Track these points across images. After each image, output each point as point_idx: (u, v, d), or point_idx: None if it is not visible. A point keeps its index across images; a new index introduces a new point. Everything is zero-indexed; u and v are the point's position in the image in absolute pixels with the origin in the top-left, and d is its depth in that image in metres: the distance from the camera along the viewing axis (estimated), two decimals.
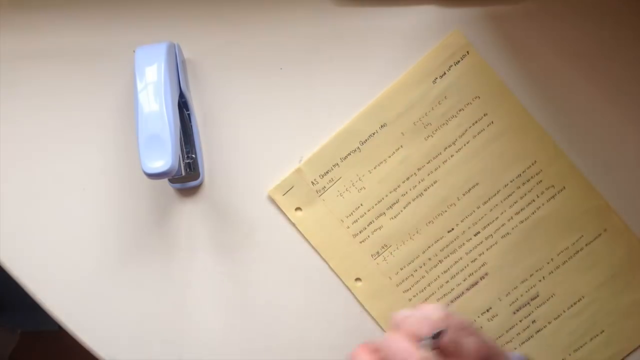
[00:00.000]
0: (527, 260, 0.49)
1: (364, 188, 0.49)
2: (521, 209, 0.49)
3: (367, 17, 0.48)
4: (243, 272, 0.50)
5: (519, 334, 0.50)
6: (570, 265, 0.49)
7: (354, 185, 0.49)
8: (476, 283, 0.50)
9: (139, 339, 0.50)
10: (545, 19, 0.47)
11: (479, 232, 0.49)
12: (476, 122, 0.48)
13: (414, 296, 0.50)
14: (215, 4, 0.49)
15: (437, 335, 0.33)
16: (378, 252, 0.49)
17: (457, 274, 0.49)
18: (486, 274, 0.49)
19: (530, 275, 0.49)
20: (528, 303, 0.49)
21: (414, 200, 0.49)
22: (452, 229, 0.49)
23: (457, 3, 0.47)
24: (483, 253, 0.49)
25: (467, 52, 0.47)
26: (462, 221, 0.49)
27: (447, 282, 0.50)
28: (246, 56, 0.49)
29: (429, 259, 0.49)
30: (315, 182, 0.49)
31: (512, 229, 0.49)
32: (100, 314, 0.50)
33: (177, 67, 0.46)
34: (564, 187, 0.48)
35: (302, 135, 0.49)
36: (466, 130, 0.48)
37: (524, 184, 0.48)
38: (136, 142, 0.41)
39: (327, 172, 0.49)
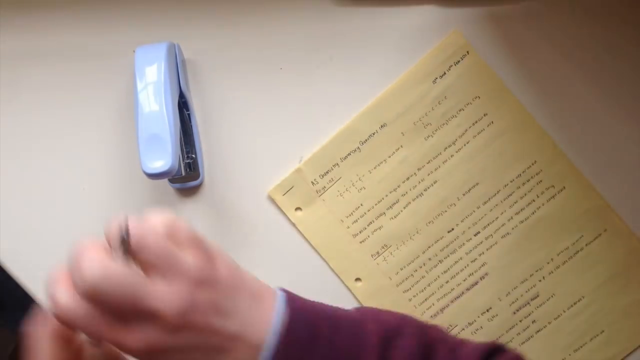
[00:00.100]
0: (527, 260, 0.49)
1: (364, 188, 0.49)
2: (521, 209, 0.49)
3: (367, 17, 0.48)
4: None
5: (519, 334, 0.50)
6: (570, 265, 0.49)
7: (354, 185, 0.49)
8: (476, 283, 0.50)
9: None
10: (545, 19, 0.47)
11: (479, 232, 0.49)
12: (476, 122, 0.48)
13: (414, 296, 0.50)
14: (215, 4, 0.48)
15: (124, 243, 0.29)
16: (378, 252, 0.49)
17: (457, 274, 0.49)
18: (486, 274, 0.49)
19: (530, 275, 0.49)
20: (528, 303, 0.49)
21: (414, 200, 0.49)
22: (452, 229, 0.49)
23: (457, 3, 0.47)
24: (483, 253, 0.49)
25: (467, 52, 0.47)
26: (462, 221, 0.49)
27: (447, 282, 0.50)
28: (246, 56, 0.49)
29: (429, 259, 0.49)
30: (315, 182, 0.49)
31: (512, 229, 0.49)
32: None
33: (177, 67, 0.46)
34: (564, 187, 0.48)
35: (302, 135, 0.49)
36: (466, 130, 0.48)
37: (524, 184, 0.48)
38: (136, 142, 0.41)
39: (327, 172, 0.49)
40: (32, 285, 0.50)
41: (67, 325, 0.29)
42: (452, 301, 0.50)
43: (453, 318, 0.50)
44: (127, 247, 0.29)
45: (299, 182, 0.49)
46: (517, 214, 0.49)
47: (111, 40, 0.49)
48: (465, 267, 0.49)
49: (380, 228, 0.49)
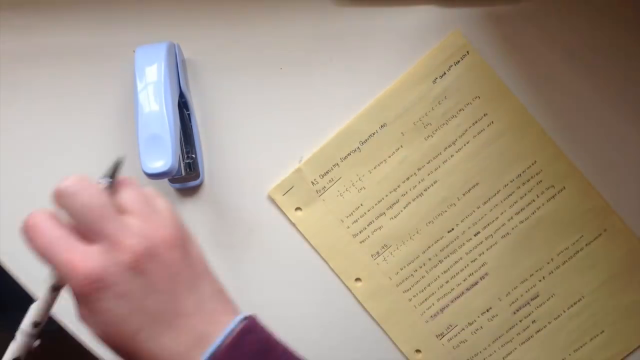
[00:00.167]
0: (527, 260, 0.49)
1: (364, 188, 0.49)
2: (521, 209, 0.49)
3: (367, 17, 0.48)
4: (243, 272, 0.50)
5: (519, 334, 0.50)
6: (570, 265, 0.49)
7: (354, 185, 0.49)
8: (476, 283, 0.50)
9: None
10: (545, 19, 0.47)
11: (479, 232, 0.49)
12: (476, 122, 0.48)
13: (414, 296, 0.50)
14: (215, 4, 0.48)
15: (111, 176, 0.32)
16: (378, 252, 0.49)
17: (457, 274, 0.49)
18: (486, 274, 0.49)
19: (530, 275, 0.49)
20: (528, 303, 0.49)
21: (414, 200, 0.49)
22: (452, 229, 0.49)
23: (457, 3, 0.47)
24: (483, 253, 0.49)
25: (467, 52, 0.47)
26: (462, 221, 0.49)
27: (447, 282, 0.50)
28: (246, 56, 0.49)
29: (429, 259, 0.49)
30: (315, 182, 0.49)
31: (512, 229, 0.49)
32: None
33: (177, 67, 0.46)
34: (564, 187, 0.48)
35: (302, 135, 0.49)
36: (466, 130, 0.48)
37: (524, 184, 0.48)
38: (136, 142, 0.41)
39: (327, 172, 0.49)
40: (32, 285, 0.50)
41: (29, 233, 0.30)
42: (452, 301, 0.50)
43: (453, 318, 0.50)
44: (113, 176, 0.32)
45: (299, 182, 0.49)
46: (517, 214, 0.49)
47: (111, 40, 0.49)
48: (465, 267, 0.49)
49: (380, 228, 0.49)
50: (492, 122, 0.48)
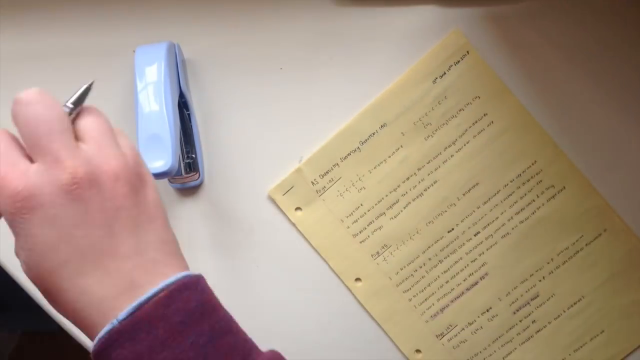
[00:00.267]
0: (527, 260, 0.49)
1: (364, 188, 0.49)
2: (521, 209, 0.49)
3: (367, 17, 0.48)
4: (243, 272, 0.50)
5: (519, 334, 0.50)
6: (570, 265, 0.49)
7: (354, 185, 0.49)
8: (476, 283, 0.50)
9: None
10: (545, 19, 0.47)
11: (479, 232, 0.49)
12: (476, 122, 0.48)
13: (414, 296, 0.50)
14: (215, 4, 0.49)
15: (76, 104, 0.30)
16: (378, 252, 0.49)
17: (457, 274, 0.49)
18: (486, 274, 0.49)
19: (530, 275, 0.49)
20: (528, 303, 0.49)
21: (414, 200, 0.49)
22: (452, 229, 0.49)
23: (457, 3, 0.47)
24: (483, 253, 0.49)
25: (467, 52, 0.47)
26: (462, 221, 0.49)
27: (447, 282, 0.50)
28: (246, 56, 0.49)
29: (429, 259, 0.49)
30: (315, 182, 0.49)
31: (512, 229, 0.49)
32: None
33: (177, 67, 0.46)
34: (564, 187, 0.48)
35: (302, 135, 0.49)
36: (466, 130, 0.48)
37: (524, 183, 0.48)
38: (136, 142, 0.41)
39: (327, 172, 0.49)
40: (33, 286, 0.50)
41: None
42: (452, 301, 0.50)
43: (453, 318, 0.50)
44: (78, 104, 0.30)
45: (299, 182, 0.49)
46: (517, 214, 0.49)
47: (111, 40, 0.49)
48: (465, 267, 0.49)
49: (380, 228, 0.49)
50: (492, 122, 0.48)
